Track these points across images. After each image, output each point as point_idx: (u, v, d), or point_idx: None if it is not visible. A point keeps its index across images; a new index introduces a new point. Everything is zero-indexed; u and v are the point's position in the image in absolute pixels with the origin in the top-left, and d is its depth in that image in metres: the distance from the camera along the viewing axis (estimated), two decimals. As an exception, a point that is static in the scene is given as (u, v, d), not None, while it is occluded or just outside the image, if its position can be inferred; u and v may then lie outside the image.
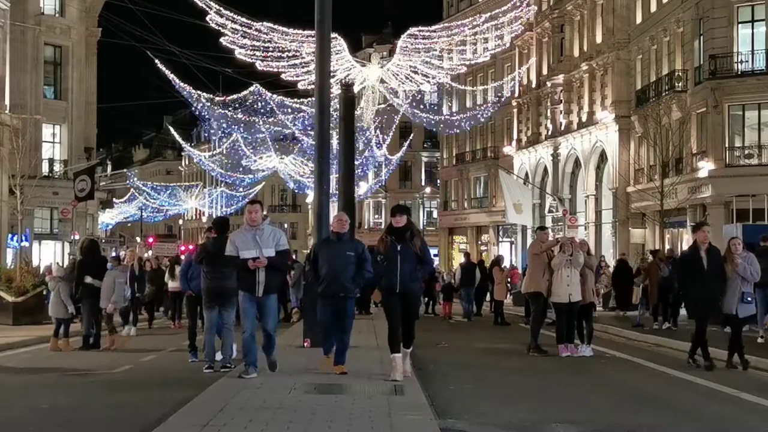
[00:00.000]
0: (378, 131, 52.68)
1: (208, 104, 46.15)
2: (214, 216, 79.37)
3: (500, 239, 63.43)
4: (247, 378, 10.79)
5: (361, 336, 16.76)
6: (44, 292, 22.42)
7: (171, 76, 41.63)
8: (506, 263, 38.75)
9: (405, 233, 11.08)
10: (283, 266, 12.01)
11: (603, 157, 48.03)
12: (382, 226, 11.12)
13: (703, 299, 13.98)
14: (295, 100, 47.95)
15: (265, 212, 12.04)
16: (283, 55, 38.44)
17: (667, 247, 35.59)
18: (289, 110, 47.87)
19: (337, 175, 20.77)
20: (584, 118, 49.71)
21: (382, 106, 53.06)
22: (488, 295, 31.24)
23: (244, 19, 36.10)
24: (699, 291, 13.96)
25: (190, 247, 51.89)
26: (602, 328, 23.13)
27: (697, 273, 13.96)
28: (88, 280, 17.30)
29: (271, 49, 37.66)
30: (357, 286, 11.64)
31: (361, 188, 56.43)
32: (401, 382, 10.67)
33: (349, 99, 20.39)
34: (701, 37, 37.73)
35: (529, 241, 53.34)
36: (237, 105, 47.15)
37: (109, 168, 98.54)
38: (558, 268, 15.95)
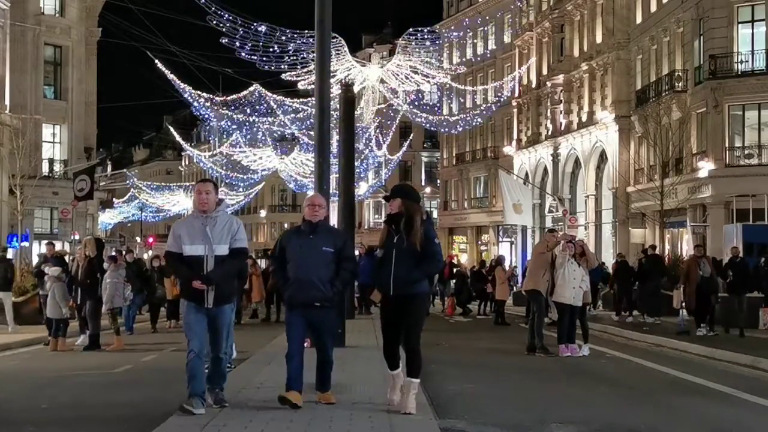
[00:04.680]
0: (378, 131, 52.73)
1: (208, 104, 46.22)
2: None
3: (500, 239, 63.45)
4: (194, 412, 8.25)
5: (361, 336, 16.77)
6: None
7: (171, 76, 41.70)
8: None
9: (402, 221, 8.61)
10: (237, 270, 9.23)
11: (603, 157, 48.03)
12: (382, 227, 10.35)
13: None
14: (295, 100, 48.01)
15: (221, 196, 9.08)
16: (283, 55, 38.50)
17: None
18: (290, 110, 47.94)
19: (337, 175, 20.78)
20: (584, 118, 49.71)
21: (382, 106, 53.10)
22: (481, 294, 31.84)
23: (244, 19, 36.14)
24: None
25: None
26: (602, 328, 23.14)
27: None
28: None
29: (271, 49, 37.71)
30: (337, 292, 8.87)
31: (361, 188, 56.48)
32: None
33: (349, 99, 20.39)
34: (701, 37, 37.73)
35: (530, 241, 53.52)
36: (237, 105, 47.22)
37: (109, 168, 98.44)
38: (562, 266, 15.80)
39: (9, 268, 22.79)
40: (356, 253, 28.29)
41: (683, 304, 21.43)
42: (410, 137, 67.16)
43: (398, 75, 44.77)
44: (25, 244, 37.03)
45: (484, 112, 54.24)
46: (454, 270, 32.57)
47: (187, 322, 8.71)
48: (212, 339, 8.71)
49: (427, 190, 78.89)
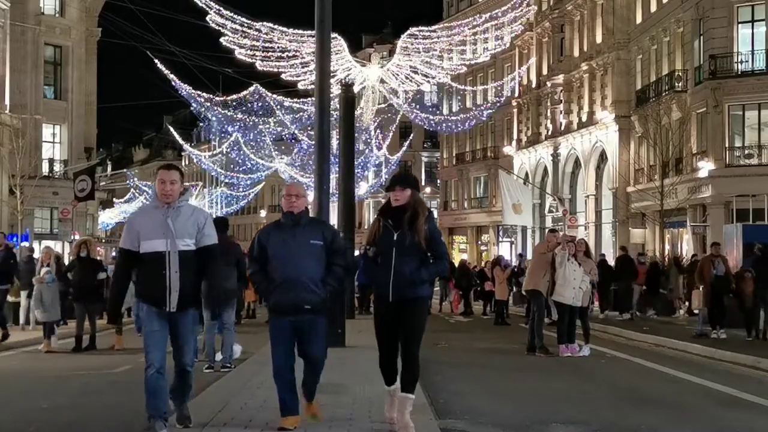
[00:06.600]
0: (378, 131, 52.70)
1: (208, 104, 46.21)
2: (213, 216, 79.18)
3: (500, 239, 63.46)
4: None
5: (361, 336, 16.76)
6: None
7: (171, 76, 41.68)
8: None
9: (405, 215, 7.54)
10: (219, 272, 7.88)
11: (603, 157, 48.05)
12: (374, 221, 9.61)
13: None
14: (296, 100, 48.00)
15: (186, 184, 7.83)
16: (283, 55, 38.47)
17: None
18: (290, 110, 47.92)
19: (337, 175, 20.79)
20: (584, 118, 49.72)
21: (382, 106, 53.09)
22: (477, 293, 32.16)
23: (244, 19, 36.13)
24: None
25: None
26: (602, 328, 23.14)
27: None
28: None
29: (271, 49, 37.68)
30: (329, 292, 7.66)
31: (361, 188, 56.47)
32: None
33: (349, 99, 20.42)
34: (701, 37, 37.75)
35: (530, 241, 53.53)
36: (237, 105, 47.20)
37: (109, 168, 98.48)
38: (562, 266, 15.78)
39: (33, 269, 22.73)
40: (356, 253, 28.36)
41: (697, 304, 21.04)
42: (410, 137, 67.12)
43: (398, 75, 44.74)
44: (25, 244, 37.06)
45: (484, 112, 54.21)
46: (457, 264, 32.85)
47: (147, 331, 7.48)
48: (175, 349, 7.59)
49: (427, 190, 78.92)
